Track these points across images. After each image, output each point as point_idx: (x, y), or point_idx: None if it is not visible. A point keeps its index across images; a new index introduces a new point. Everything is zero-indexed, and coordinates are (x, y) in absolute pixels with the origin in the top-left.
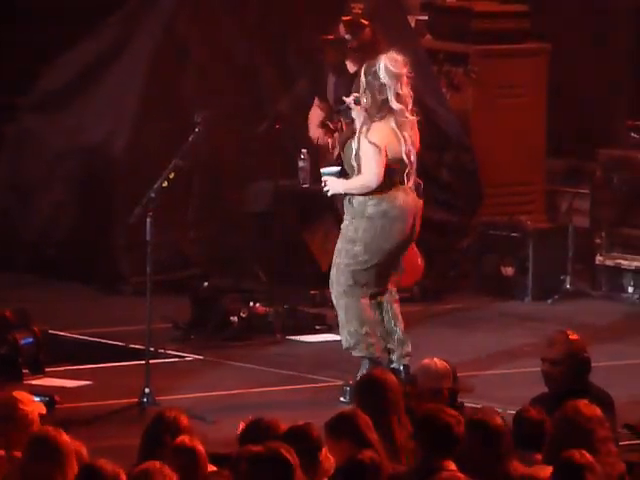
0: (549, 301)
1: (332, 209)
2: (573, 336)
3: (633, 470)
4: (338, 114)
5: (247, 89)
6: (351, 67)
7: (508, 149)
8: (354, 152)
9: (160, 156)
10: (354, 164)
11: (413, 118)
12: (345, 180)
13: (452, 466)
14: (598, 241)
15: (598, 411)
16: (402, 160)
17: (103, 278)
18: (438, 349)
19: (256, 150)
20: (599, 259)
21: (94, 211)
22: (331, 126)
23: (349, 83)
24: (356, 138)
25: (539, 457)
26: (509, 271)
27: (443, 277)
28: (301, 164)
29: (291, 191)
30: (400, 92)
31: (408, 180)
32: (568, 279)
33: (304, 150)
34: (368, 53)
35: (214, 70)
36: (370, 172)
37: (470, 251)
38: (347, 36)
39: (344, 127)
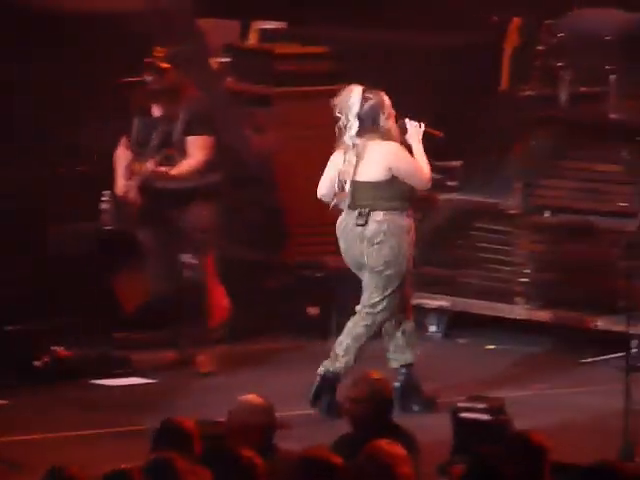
0: None
1: (136, 251)
2: (376, 375)
3: None
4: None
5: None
6: (155, 111)
7: (312, 189)
8: None
9: None
10: None
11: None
12: None
13: None
14: None
15: (400, 449)
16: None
17: None
18: (247, 390)
19: (61, 193)
20: None
21: None
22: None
23: (151, 126)
24: None
25: None
26: (315, 311)
27: (250, 317)
28: (103, 206)
29: (95, 233)
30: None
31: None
32: None
33: (106, 192)
34: (171, 96)
35: None
36: None
37: (276, 291)
38: (149, 78)
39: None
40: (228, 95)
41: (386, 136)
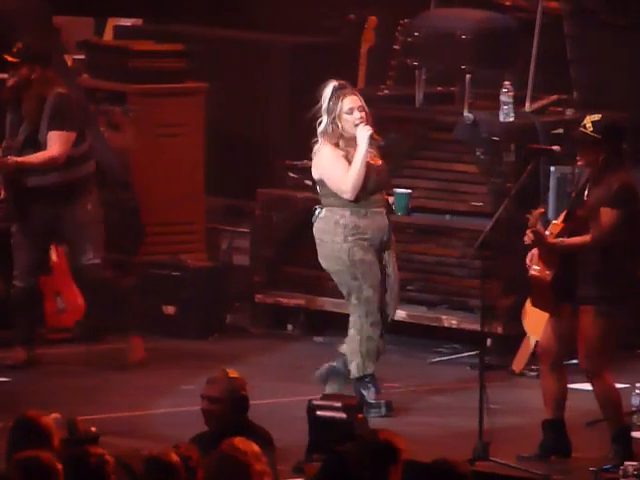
0: (210, 339)
1: None
2: (232, 374)
3: None
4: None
5: None
6: (24, 106)
7: (169, 188)
8: None
9: None
10: None
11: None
12: None
13: None
14: (258, 279)
15: (255, 447)
16: None
17: None
18: (100, 389)
19: None
20: (259, 297)
21: None
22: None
23: (21, 120)
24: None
25: None
26: (171, 310)
27: (105, 316)
28: None
29: None
30: None
31: None
32: (229, 317)
33: None
34: (27, 90)
35: None
36: None
37: (132, 290)
38: (7, 75)
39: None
40: (83, 92)
41: (327, 137)
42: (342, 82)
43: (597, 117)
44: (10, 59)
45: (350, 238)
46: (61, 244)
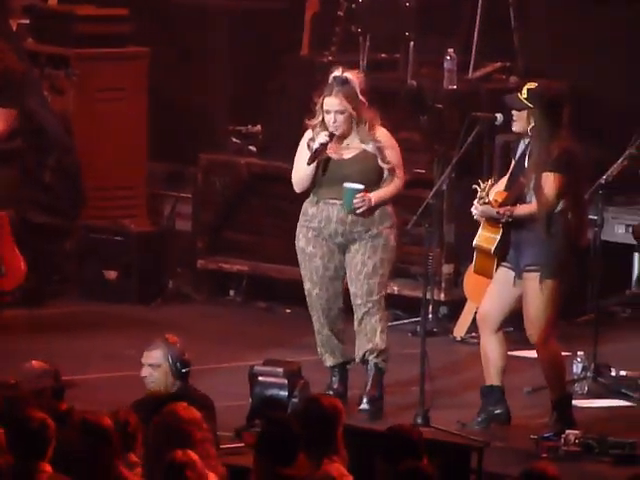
0: (152, 305)
1: None
2: (172, 340)
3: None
4: None
5: None
6: None
7: (110, 152)
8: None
9: None
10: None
11: None
12: (381, 190)
13: (48, 468)
14: (200, 245)
15: (196, 413)
16: None
17: None
18: (43, 354)
19: None
20: (201, 263)
21: None
22: None
23: None
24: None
25: (134, 458)
26: (112, 275)
27: (46, 281)
28: None
29: None
30: None
31: None
32: (171, 283)
33: None
34: None
35: None
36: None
37: (72, 255)
38: None
39: None
40: (27, 56)
41: (313, 118)
42: (339, 76)
43: (533, 85)
44: None
45: (300, 224)
46: None
